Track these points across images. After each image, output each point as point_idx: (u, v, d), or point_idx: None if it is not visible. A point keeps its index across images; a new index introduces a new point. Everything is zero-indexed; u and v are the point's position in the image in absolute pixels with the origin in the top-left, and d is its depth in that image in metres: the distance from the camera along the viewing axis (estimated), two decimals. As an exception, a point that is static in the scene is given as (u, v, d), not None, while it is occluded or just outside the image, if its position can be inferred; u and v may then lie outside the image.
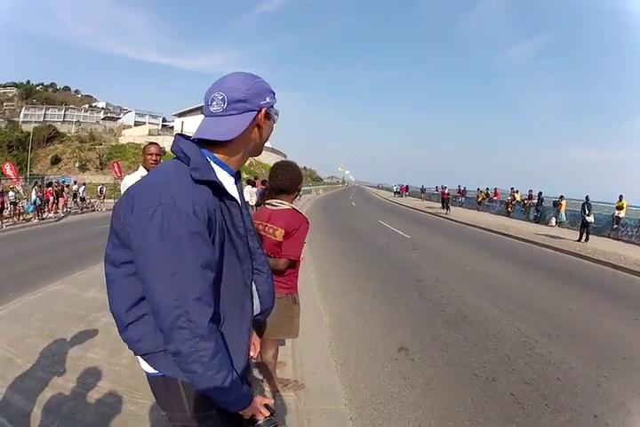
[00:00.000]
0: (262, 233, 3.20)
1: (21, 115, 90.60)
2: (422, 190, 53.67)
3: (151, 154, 4.37)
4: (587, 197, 17.15)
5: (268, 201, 3.38)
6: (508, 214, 28.70)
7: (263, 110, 1.36)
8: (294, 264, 3.33)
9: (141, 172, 4.34)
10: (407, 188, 64.18)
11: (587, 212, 16.66)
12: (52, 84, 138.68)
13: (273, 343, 3.57)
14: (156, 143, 4.63)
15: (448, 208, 28.79)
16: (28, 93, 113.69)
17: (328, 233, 16.09)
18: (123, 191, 3.67)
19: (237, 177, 1.55)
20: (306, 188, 62.09)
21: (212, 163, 1.36)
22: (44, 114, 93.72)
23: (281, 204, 3.28)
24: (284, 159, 3.61)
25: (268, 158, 64.84)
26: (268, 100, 1.38)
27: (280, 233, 3.16)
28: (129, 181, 4.18)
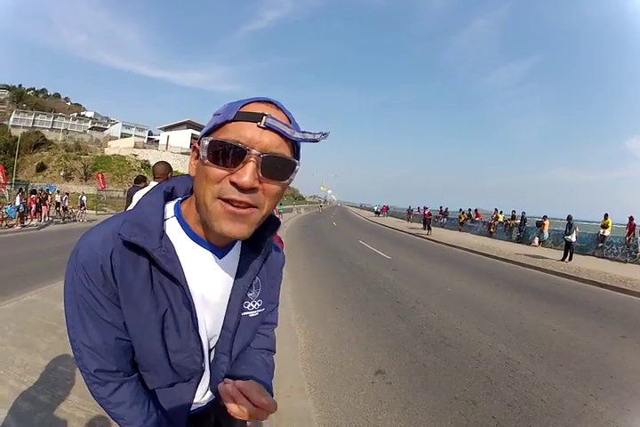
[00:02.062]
0: None
1: (11, 118, 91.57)
2: (409, 211, 51.70)
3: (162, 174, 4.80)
4: (568, 217, 17.39)
5: None
6: (490, 235, 28.98)
7: (195, 147, 1.00)
8: None
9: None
10: (387, 208, 66.36)
11: (567, 231, 16.87)
12: (43, 90, 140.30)
13: None
14: (165, 162, 5.04)
15: (430, 229, 28.94)
16: (20, 97, 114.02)
17: (307, 253, 16.06)
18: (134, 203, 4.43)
19: (254, 249, 1.20)
20: (288, 206, 63.09)
21: (169, 220, 1.10)
22: (34, 120, 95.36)
23: None
24: None
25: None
26: (207, 128, 0.97)
27: None
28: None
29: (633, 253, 17.82)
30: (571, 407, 4.23)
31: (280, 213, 39.36)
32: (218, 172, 0.90)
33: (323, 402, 4.22)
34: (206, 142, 0.90)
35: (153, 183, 4.70)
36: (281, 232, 22.25)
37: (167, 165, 4.96)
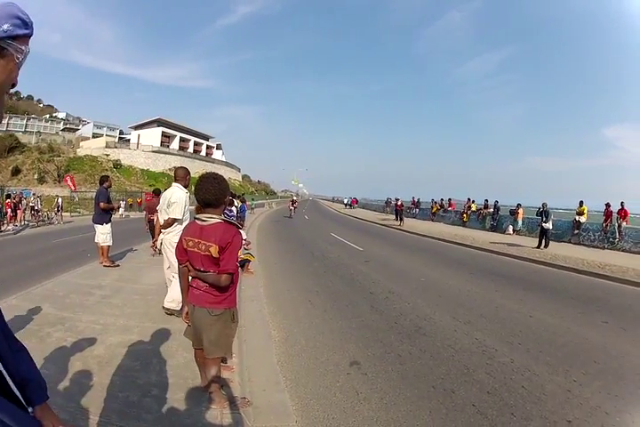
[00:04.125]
0: (195, 250, 3.24)
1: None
2: (387, 203, 49.90)
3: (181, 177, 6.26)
4: (543, 205, 17.53)
5: (197, 216, 3.37)
6: (463, 224, 29.35)
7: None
8: (234, 277, 3.31)
9: (179, 189, 6.14)
10: (357, 201, 69.08)
11: (544, 219, 17.04)
12: (17, 93, 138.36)
13: (214, 361, 3.53)
14: (184, 167, 6.52)
15: (402, 220, 29.03)
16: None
17: (279, 247, 16.17)
18: (162, 203, 6.26)
19: None
20: (260, 201, 63.49)
21: None
22: (7, 123, 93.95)
23: (210, 218, 3.27)
24: (210, 171, 3.57)
25: (221, 173, 68.10)
26: (13, 31, 1.01)
27: (215, 249, 3.15)
28: (168, 194, 6.16)
29: (611, 239, 18.17)
30: (554, 394, 4.22)
31: (252, 208, 39.17)
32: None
33: (299, 395, 4.19)
34: (26, 51, 1.04)
35: (175, 184, 6.19)
36: (252, 229, 22.25)
37: (187, 170, 6.38)
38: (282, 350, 5.38)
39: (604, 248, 18.05)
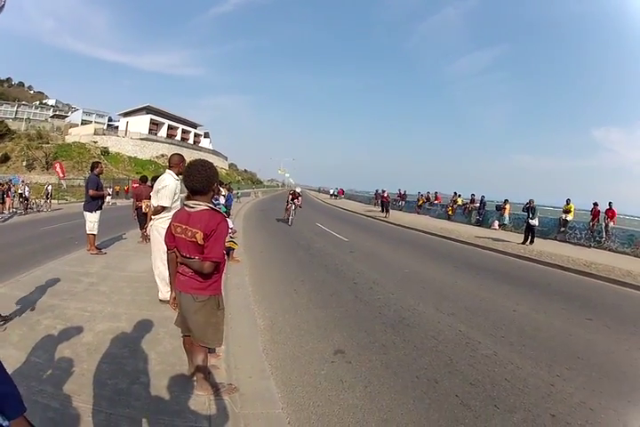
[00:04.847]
0: (182, 236, 3.26)
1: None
2: (376, 195, 44.56)
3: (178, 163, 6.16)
4: (530, 201, 17.59)
5: (185, 202, 3.39)
6: (448, 218, 29.49)
7: None
8: (219, 265, 3.34)
9: (170, 176, 6.06)
10: (343, 191, 69.50)
11: (531, 215, 17.16)
12: (8, 79, 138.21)
13: (201, 349, 3.56)
14: (179, 154, 6.47)
15: (388, 211, 29.07)
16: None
17: (265, 236, 16.19)
18: (154, 189, 6.23)
19: None
20: (246, 190, 63.43)
21: None
22: None
23: (197, 205, 3.29)
24: (199, 158, 3.59)
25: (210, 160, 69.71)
26: None
27: (200, 236, 3.17)
28: (159, 181, 6.14)
29: (597, 238, 18.34)
30: (537, 387, 4.29)
31: (237, 197, 39.09)
32: None
33: (284, 382, 4.25)
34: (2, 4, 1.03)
35: (167, 171, 6.15)
36: (238, 217, 22.16)
37: (181, 156, 6.34)
38: (267, 338, 5.44)
39: (589, 247, 18.18)
